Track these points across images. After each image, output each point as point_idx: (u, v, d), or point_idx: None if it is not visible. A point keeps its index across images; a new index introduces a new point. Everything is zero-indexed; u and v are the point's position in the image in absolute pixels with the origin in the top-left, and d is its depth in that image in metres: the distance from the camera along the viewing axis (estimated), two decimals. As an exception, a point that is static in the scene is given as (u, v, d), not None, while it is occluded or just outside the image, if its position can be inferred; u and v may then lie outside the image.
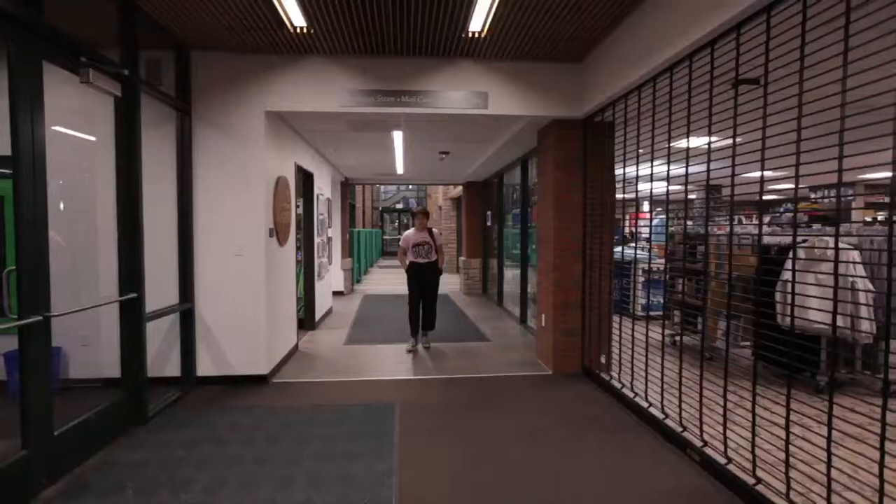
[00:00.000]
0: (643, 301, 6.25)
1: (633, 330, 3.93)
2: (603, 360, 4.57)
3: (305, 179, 6.67)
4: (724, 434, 2.77)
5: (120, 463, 2.97)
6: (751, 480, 2.54)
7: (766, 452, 2.62)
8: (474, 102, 4.45)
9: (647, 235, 7.82)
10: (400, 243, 5.82)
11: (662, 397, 3.42)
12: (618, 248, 5.95)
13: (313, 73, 4.37)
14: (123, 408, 3.43)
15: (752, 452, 2.55)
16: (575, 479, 2.77)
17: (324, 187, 7.78)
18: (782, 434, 2.34)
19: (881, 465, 1.91)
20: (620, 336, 4.12)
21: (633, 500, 2.55)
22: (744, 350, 4.88)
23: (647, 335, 3.71)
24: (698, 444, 2.98)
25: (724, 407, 2.76)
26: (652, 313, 6.71)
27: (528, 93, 4.53)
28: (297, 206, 6.06)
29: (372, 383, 4.52)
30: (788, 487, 2.33)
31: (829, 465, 2.10)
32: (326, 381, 4.60)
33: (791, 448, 2.36)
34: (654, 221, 9.67)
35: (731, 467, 2.70)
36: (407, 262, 5.74)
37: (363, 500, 2.50)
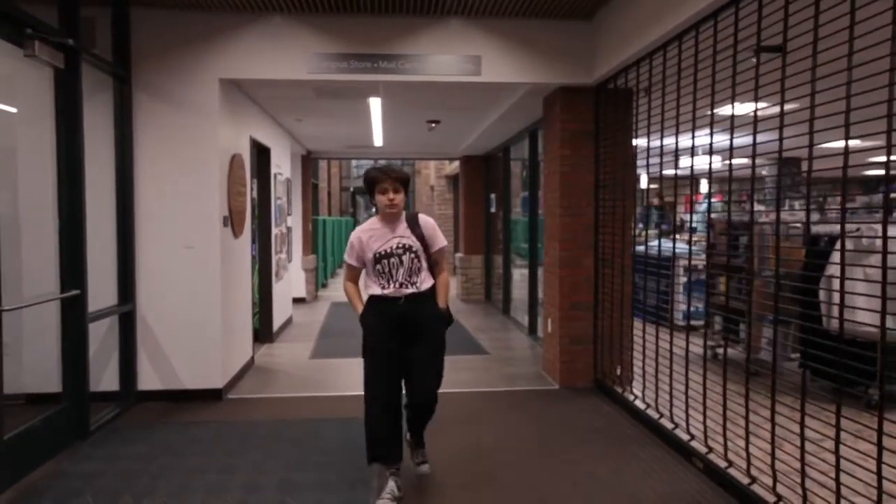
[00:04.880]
0: (691, 308, 6.99)
1: (655, 339, 4.73)
2: (618, 371, 5.37)
3: (260, 155, 7.46)
4: (724, 437, 3.60)
5: (71, 473, 3.78)
6: (745, 480, 3.37)
7: (768, 457, 3.43)
8: (465, 68, 5.25)
9: (697, 224, 8.57)
10: (345, 256, 3.61)
11: (672, 404, 4.23)
12: (663, 242, 6.69)
13: (277, 35, 5.16)
14: (64, 419, 4.22)
15: (747, 452, 3.38)
16: (564, 484, 3.60)
17: (282, 164, 8.59)
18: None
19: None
20: (632, 344, 4.93)
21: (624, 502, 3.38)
22: (793, 363, 5.69)
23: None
24: (703, 450, 3.80)
25: (725, 408, 3.58)
26: (693, 322, 7.49)
27: (529, 56, 5.34)
28: (251, 189, 6.85)
29: (347, 399, 5.32)
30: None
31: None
32: (293, 396, 5.44)
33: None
34: (704, 206, 10.49)
35: (731, 471, 3.52)
36: (364, 298, 3.59)
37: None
